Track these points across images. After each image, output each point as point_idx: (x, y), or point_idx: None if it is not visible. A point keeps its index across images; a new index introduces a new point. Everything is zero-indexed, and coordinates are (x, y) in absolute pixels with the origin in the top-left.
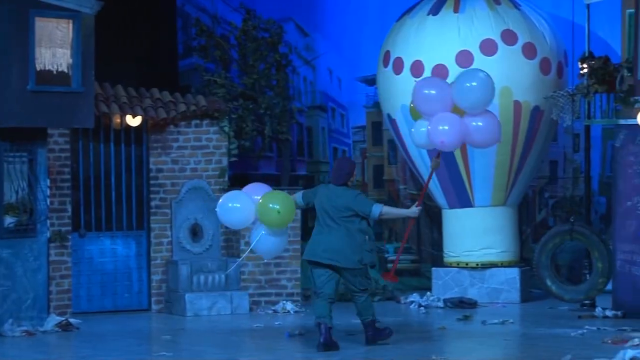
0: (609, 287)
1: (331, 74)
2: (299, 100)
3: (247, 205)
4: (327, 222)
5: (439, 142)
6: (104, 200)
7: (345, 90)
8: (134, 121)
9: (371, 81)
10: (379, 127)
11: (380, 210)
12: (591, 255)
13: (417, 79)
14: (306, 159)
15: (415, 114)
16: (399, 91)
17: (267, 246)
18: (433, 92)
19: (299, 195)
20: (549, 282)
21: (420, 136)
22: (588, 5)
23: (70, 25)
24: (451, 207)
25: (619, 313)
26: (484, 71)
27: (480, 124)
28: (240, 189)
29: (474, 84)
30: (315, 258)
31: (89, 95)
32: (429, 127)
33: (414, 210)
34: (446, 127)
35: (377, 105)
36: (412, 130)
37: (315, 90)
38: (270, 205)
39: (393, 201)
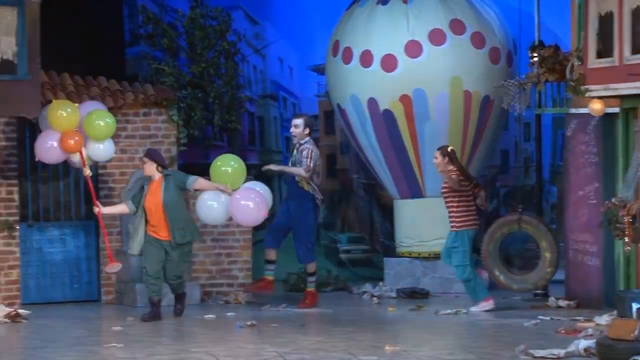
0: (561, 276)
1: (282, 62)
2: (250, 89)
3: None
4: None
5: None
6: (51, 190)
7: (296, 79)
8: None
9: (322, 70)
10: (331, 116)
11: None
12: (539, 245)
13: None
14: (258, 149)
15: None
16: (348, 81)
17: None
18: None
19: None
20: (497, 272)
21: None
22: None
23: (15, 12)
24: (403, 197)
25: (572, 303)
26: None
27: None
28: None
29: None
30: None
31: (35, 83)
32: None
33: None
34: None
35: (328, 94)
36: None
37: (266, 79)
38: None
39: (346, 191)
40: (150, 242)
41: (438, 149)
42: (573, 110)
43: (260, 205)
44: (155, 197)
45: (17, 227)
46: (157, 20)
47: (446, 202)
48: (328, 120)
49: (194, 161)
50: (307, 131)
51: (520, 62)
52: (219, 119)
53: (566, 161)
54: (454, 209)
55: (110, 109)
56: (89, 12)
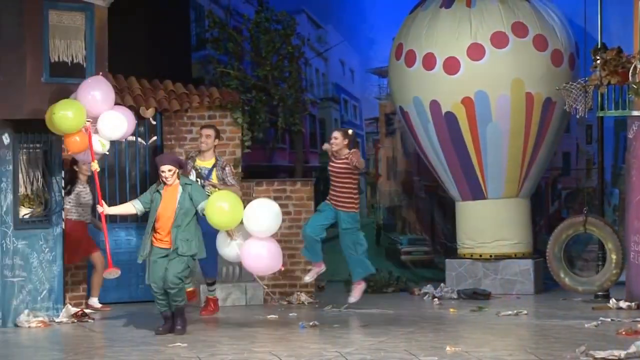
0: (622, 278)
1: (344, 65)
2: (312, 92)
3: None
4: None
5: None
6: (117, 190)
7: (357, 81)
8: (147, 113)
9: (383, 73)
10: (392, 119)
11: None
12: (605, 247)
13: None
14: (319, 151)
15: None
16: (411, 84)
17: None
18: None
19: None
20: (562, 274)
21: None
22: None
23: (84, 17)
24: (464, 199)
25: (632, 304)
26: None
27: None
28: None
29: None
30: None
31: None
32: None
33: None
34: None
35: (390, 96)
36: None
37: (327, 82)
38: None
39: (407, 193)
40: (156, 256)
41: (339, 130)
42: (635, 113)
43: (275, 256)
44: (170, 204)
45: None
46: (223, 25)
47: (342, 182)
48: (389, 123)
49: (258, 163)
50: None
51: (582, 64)
52: (283, 121)
53: (628, 163)
54: (352, 190)
55: (176, 112)
56: (156, 17)
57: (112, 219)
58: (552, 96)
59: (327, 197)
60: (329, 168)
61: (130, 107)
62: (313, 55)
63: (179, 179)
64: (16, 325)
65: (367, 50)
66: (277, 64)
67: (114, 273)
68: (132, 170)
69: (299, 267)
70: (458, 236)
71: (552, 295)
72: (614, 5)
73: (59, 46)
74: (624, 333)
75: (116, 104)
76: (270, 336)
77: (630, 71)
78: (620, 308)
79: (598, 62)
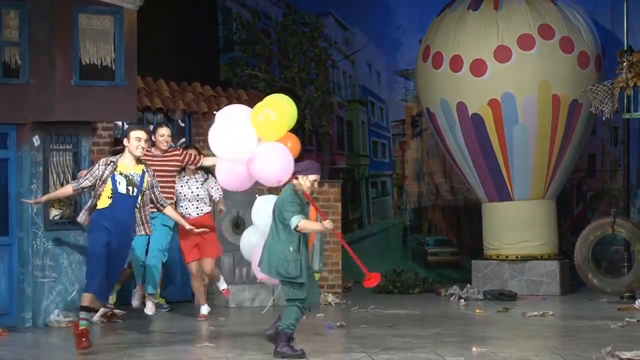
0: None
1: (370, 68)
2: (339, 95)
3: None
4: (271, 224)
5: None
6: None
7: (384, 84)
8: (175, 115)
9: (409, 75)
10: (418, 120)
11: (297, 223)
12: (632, 248)
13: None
14: (346, 153)
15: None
16: (438, 85)
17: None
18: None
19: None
20: (590, 275)
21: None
22: None
23: (113, 20)
24: (491, 200)
25: None
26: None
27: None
28: None
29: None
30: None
31: (132, 89)
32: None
33: (327, 226)
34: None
35: (416, 99)
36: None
37: (354, 84)
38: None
39: (432, 194)
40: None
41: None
42: None
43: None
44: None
45: None
46: (251, 27)
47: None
48: (415, 125)
49: None
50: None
51: (609, 67)
52: (310, 123)
53: None
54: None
55: (204, 114)
56: (184, 20)
57: None
58: (578, 98)
59: None
60: None
61: (159, 110)
62: (340, 58)
63: None
64: (46, 325)
65: (393, 52)
66: (304, 66)
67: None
68: None
69: (327, 267)
70: (484, 237)
71: (578, 296)
72: None
73: (89, 49)
74: None
75: (145, 106)
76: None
77: None
78: None
79: (624, 64)
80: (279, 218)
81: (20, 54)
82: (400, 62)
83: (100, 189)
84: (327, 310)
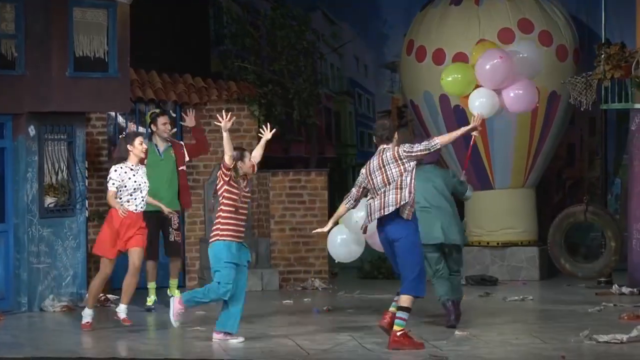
0: (625, 265)
1: (358, 61)
2: (327, 87)
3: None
4: (430, 202)
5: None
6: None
7: (371, 76)
8: (167, 106)
9: (395, 67)
10: (403, 112)
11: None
12: (605, 234)
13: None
14: (334, 143)
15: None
16: (421, 78)
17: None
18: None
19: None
20: (562, 260)
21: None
22: None
23: (107, 14)
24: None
25: (635, 290)
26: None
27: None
28: None
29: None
30: (438, 240)
31: (125, 81)
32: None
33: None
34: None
35: (402, 90)
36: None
37: (342, 76)
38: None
39: None
40: None
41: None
42: (637, 106)
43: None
44: None
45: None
46: (241, 21)
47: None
48: (400, 116)
49: (274, 155)
50: None
51: (586, 59)
52: (298, 114)
53: (631, 154)
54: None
55: (195, 105)
56: (176, 14)
57: None
58: (557, 89)
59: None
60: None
61: (151, 100)
62: (328, 51)
63: None
64: (41, 310)
65: (380, 46)
66: (292, 58)
67: None
68: None
69: (313, 254)
70: (466, 225)
71: (557, 282)
72: (615, 2)
73: (83, 42)
74: (626, 318)
75: (137, 97)
76: (285, 320)
77: (633, 65)
78: (623, 294)
79: (602, 56)
80: (452, 192)
81: (16, 46)
82: (386, 55)
83: None
84: (314, 295)
